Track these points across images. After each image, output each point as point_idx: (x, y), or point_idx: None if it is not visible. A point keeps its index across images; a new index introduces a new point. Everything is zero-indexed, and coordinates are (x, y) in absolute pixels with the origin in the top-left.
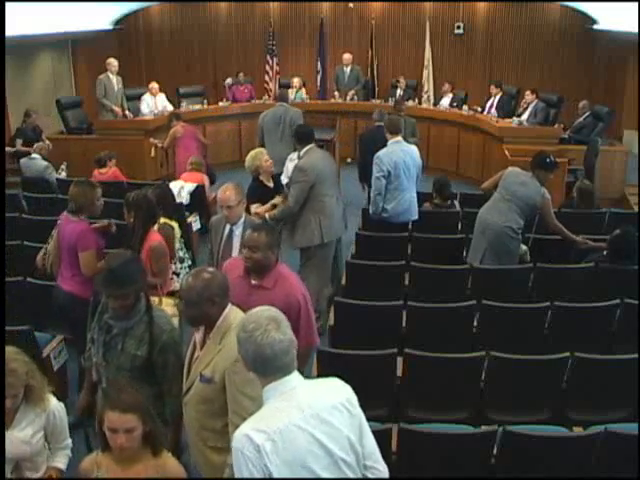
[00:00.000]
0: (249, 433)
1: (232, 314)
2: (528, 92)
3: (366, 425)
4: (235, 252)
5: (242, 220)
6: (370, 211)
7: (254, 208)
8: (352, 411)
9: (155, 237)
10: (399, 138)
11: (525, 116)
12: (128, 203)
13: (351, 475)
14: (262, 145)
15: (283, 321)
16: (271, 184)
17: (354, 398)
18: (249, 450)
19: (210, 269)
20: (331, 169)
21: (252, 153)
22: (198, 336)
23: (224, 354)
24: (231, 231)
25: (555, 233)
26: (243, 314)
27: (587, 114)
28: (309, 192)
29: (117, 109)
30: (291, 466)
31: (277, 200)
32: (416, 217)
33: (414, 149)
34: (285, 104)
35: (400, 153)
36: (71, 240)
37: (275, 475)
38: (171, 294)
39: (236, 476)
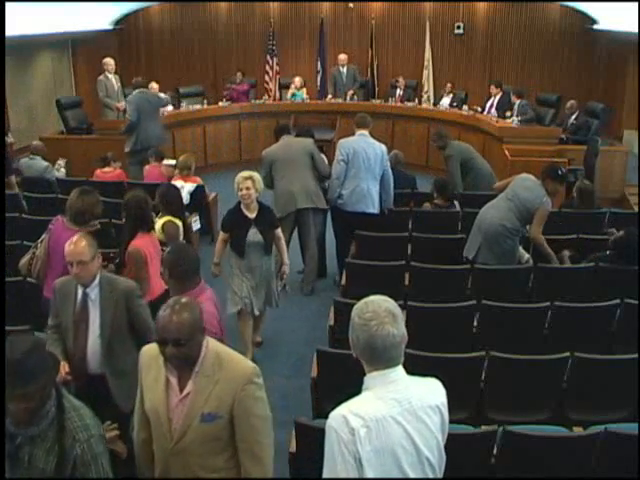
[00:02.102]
0: (346, 415)
1: (211, 343)
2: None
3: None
4: (93, 322)
5: (97, 280)
6: (327, 196)
7: (220, 236)
8: (444, 415)
9: (136, 242)
10: (365, 132)
11: (515, 118)
12: (122, 204)
13: (431, 475)
14: (135, 128)
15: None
16: (252, 215)
17: (446, 402)
18: (344, 431)
19: (183, 299)
20: (293, 154)
21: (238, 176)
22: (173, 379)
23: (226, 385)
24: (85, 295)
25: (534, 242)
26: (216, 341)
27: (577, 114)
28: (272, 174)
29: (119, 105)
30: (381, 455)
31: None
32: (373, 211)
33: (380, 145)
34: (143, 90)
35: (362, 144)
36: None
37: (364, 460)
38: (163, 296)
39: (326, 451)
